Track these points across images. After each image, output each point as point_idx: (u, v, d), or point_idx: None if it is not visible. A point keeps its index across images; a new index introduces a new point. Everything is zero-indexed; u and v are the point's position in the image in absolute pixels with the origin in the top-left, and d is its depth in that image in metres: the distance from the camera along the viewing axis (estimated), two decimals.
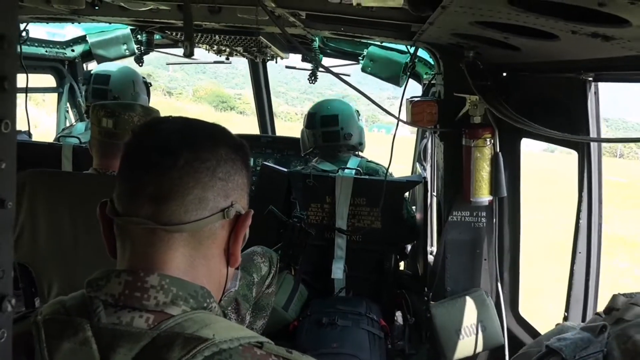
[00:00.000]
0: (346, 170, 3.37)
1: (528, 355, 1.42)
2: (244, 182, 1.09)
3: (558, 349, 1.24)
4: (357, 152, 3.69)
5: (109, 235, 1.01)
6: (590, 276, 2.11)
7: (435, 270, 2.92)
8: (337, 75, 3.24)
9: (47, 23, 3.24)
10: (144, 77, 3.78)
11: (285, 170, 3.49)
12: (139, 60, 3.80)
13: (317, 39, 3.56)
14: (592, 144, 2.08)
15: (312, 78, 4.04)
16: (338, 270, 3.32)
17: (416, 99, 2.80)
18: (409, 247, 3.88)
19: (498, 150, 2.63)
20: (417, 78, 3.93)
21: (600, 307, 1.45)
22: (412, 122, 2.79)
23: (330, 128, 3.55)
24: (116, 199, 0.98)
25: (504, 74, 2.67)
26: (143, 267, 0.93)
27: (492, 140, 2.63)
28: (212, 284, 1.02)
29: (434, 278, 2.90)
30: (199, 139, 0.99)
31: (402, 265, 4.00)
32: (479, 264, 2.84)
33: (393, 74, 3.83)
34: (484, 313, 2.68)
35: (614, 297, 1.33)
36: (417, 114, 2.75)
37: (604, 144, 2.80)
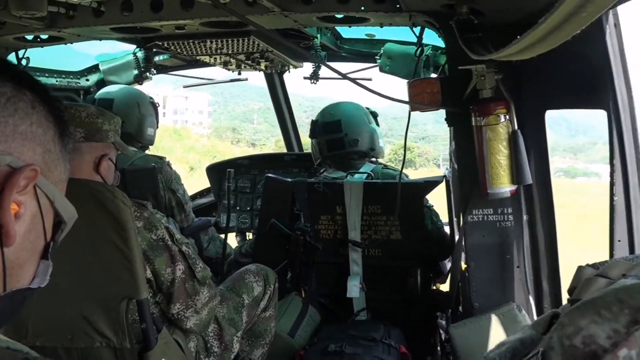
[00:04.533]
0: (356, 176, 2.98)
1: None
2: (34, 132, 0.78)
3: (491, 359, 0.90)
4: (372, 159, 3.30)
5: None
6: None
7: (458, 283, 2.42)
8: (340, 73, 2.91)
9: (42, 47, 3.21)
10: (151, 98, 3.66)
11: (290, 180, 3.16)
12: (140, 79, 3.69)
13: (318, 35, 3.27)
14: (620, 97, 1.57)
15: (314, 79, 3.73)
16: (354, 288, 2.90)
17: (415, 79, 2.40)
18: (448, 264, 3.36)
19: (516, 127, 2.15)
20: (438, 70, 3.49)
21: None
22: (411, 104, 2.37)
23: (333, 135, 3.20)
24: None
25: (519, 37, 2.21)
26: None
27: (508, 116, 2.15)
28: None
29: (457, 293, 2.40)
30: None
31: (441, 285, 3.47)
32: (511, 273, 2.31)
33: (413, 70, 3.43)
34: (516, 332, 2.13)
35: (579, 269, 0.93)
36: (416, 94, 2.34)
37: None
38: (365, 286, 2.96)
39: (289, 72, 3.91)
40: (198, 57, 3.45)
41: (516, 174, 2.14)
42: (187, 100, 79.98)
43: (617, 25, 1.57)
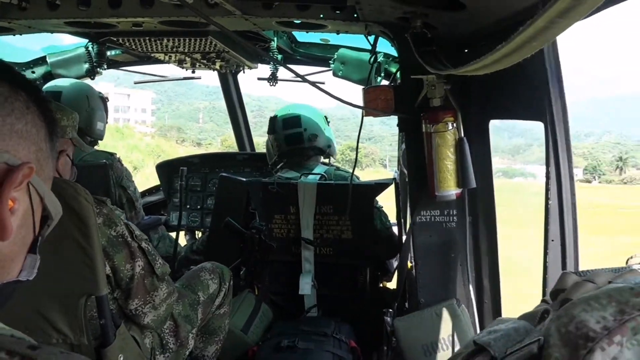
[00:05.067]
0: (309, 177, 3.07)
1: (459, 354, 1.07)
2: (29, 131, 0.82)
3: (485, 343, 0.94)
4: (326, 159, 3.41)
5: None
6: (567, 268, 1.74)
7: (405, 281, 2.56)
8: (299, 75, 2.99)
9: None
10: (99, 92, 3.60)
11: (245, 179, 3.21)
12: (92, 74, 3.63)
13: (275, 39, 3.34)
14: (556, 110, 1.75)
15: (272, 81, 3.80)
16: (306, 286, 2.98)
17: (370, 86, 2.52)
18: (394, 262, 3.51)
19: (462, 135, 2.31)
20: (390, 78, 3.65)
21: None
22: (366, 109, 2.49)
23: (292, 130, 3.29)
24: None
25: (466, 50, 2.38)
26: None
27: (455, 124, 2.31)
28: None
29: (404, 289, 2.53)
30: None
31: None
32: (454, 270, 2.47)
33: (365, 76, 3.57)
34: (456, 326, 2.29)
35: (563, 275, 1.01)
36: (370, 100, 2.46)
37: None
38: (317, 283, 3.05)
39: (244, 72, 3.95)
40: (153, 54, 3.43)
41: (462, 179, 2.30)
42: (129, 98, 77.35)
43: (554, 45, 1.74)
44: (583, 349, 0.73)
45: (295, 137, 3.28)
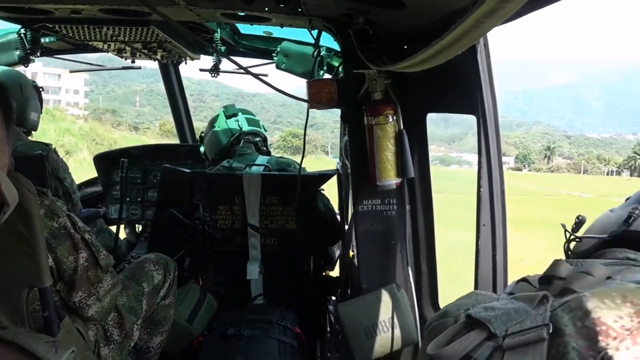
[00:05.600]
0: (253, 168, 3.11)
1: (442, 327, 1.08)
2: None
3: (485, 319, 0.94)
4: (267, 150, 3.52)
5: None
6: (497, 251, 1.89)
7: (347, 267, 2.66)
8: (242, 67, 3.01)
9: None
10: (33, 81, 3.46)
11: (188, 171, 3.20)
12: (25, 61, 3.48)
13: (218, 30, 3.33)
14: (487, 105, 1.89)
15: (214, 73, 3.80)
16: (254, 271, 3.03)
17: (314, 79, 2.59)
18: (337, 251, 3.62)
19: (402, 127, 2.42)
20: (332, 72, 3.74)
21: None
22: (310, 102, 2.56)
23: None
24: None
25: (405, 47, 2.49)
26: None
27: (395, 117, 2.42)
28: None
29: (347, 277, 2.63)
30: None
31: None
32: (394, 256, 2.59)
33: (308, 69, 3.64)
34: (396, 309, 2.42)
35: (556, 263, 1.06)
36: (315, 93, 2.53)
37: None
38: (264, 271, 3.10)
39: (186, 63, 3.92)
40: (91, 43, 3.33)
41: (401, 169, 2.41)
42: (59, 78, 73.20)
43: (486, 45, 1.87)
44: (604, 344, 0.79)
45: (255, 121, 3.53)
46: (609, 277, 0.97)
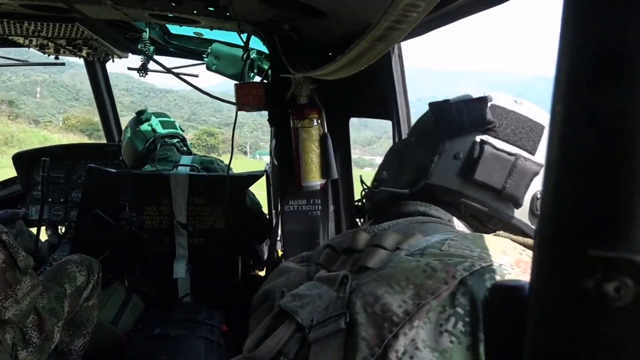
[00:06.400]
0: (180, 168, 3.12)
1: (263, 314, 1.02)
2: None
3: (292, 310, 0.90)
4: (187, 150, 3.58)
5: None
6: None
7: (275, 266, 2.72)
8: (168, 69, 3.01)
9: None
10: None
11: (114, 170, 3.16)
12: None
13: (147, 29, 3.31)
14: (401, 111, 2.03)
15: (142, 72, 3.76)
16: (181, 270, 3.03)
17: (242, 82, 2.65)
18: (266, 251, 3.68)
19: (326, 130, 2.53)
20: (262, 74, 3.80)
21: None
22: (238, 105, 2.62)
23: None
24: None
25: (330, 54, 2.60)
26: None
27: (320, 121, 2.52)
28: None
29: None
30: None
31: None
32: None
33: (238, 71, 3.68)
34: None
35: (356, 233, 0.99)
36: (242, 96, 2.59)
37: None
38: (191, 268, 3.11)
39: (113, 61, 3.84)
40: (10, 37, 3.22)
41: (325, 170, 2.52)
42: None
43: (400, 55, 2.01)
44: (388, 332, 0.77)
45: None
46: (397, 248, 0.91)
